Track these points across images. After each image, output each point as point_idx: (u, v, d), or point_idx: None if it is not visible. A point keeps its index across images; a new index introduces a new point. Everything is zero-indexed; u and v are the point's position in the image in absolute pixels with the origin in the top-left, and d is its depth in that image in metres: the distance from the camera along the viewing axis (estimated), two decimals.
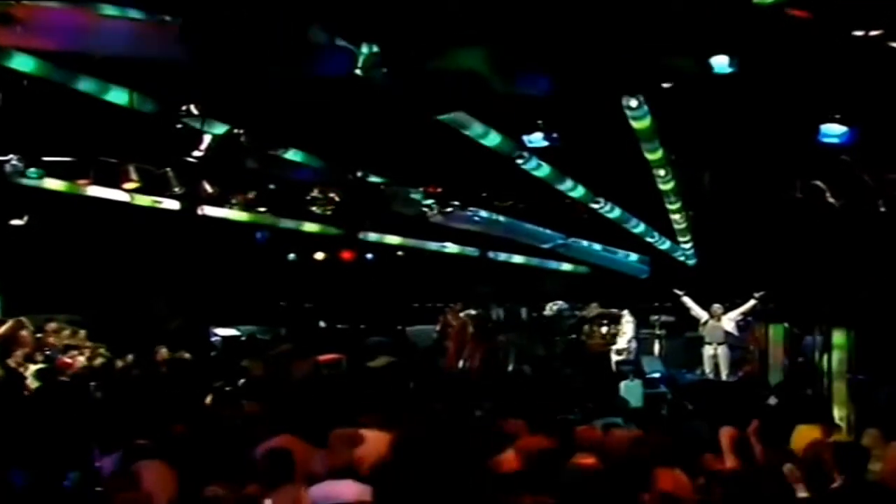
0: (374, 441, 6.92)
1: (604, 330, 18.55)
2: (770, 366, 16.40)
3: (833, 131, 11.15)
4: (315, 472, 6.69)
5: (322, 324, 23.73)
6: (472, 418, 8.74)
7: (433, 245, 21.77)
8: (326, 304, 23.92)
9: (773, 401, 11.89)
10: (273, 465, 6.37)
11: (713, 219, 18.29)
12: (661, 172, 13.62)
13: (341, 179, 15.26)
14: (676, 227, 18.19)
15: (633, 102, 10.24)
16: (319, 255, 23.23)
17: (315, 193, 15.96)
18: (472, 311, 18.46)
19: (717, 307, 17.72)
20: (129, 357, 13.67)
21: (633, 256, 23.19)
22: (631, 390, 13.72)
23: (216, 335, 19.91)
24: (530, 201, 18.00)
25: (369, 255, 23.35)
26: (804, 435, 7.98)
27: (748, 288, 17.65)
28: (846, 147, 11.42)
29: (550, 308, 19.61)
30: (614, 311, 18.60)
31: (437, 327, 19.68)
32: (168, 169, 14.18)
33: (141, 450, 6.83)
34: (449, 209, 16.95)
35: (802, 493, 6.32)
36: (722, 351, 17.47)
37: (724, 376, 17.01)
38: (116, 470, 6.65)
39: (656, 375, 16.57)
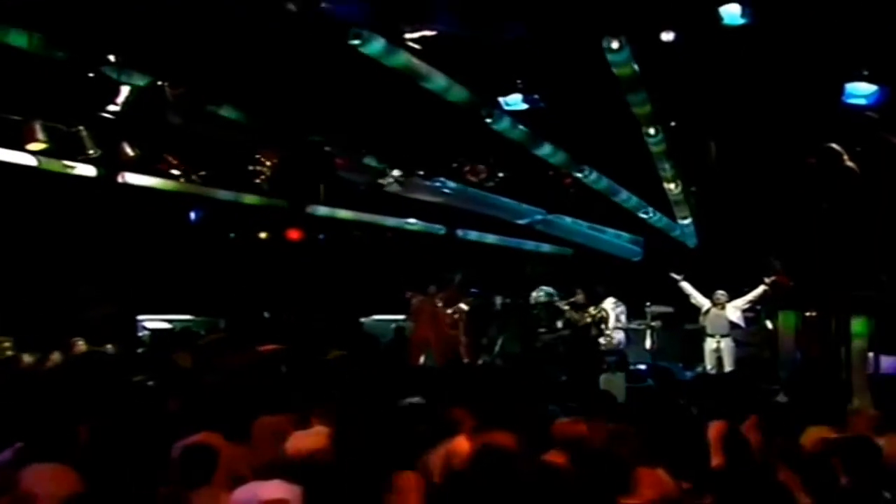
0: (310, 436, 6.94)
1: (588, 319, 18.44)
2: (780, 358, 16.35)
3: (860, 90, 11.10)
4: (242, 473, 6.65)
5: (266, 314, 23.50)
6: (418, 412, 8.63)
7: (392, 221, 21.59)
8: (272, 291, 23.69)
9: (782, 398, 11.81)
10: (190, 464, 6.34)
11: (718, 193, 18.28)
12: (651, 131, 13.52)
13: (285, 142, 15.10)
14: (672, 198, 18.12)
15: (615, 44, 10.11)
16: (263, 235, 23.03)
17: (255, 160, 15.82)
18: (464, 306, 18.49)
19: (720, 294, 17.61)
20: (49, 352, 13.45)
21: (624, 236, 23.15)
22: (612, 384, 13.64)
23: (144, 328, 19.67)
24: (505, 170, 17.93)
25: (321, 235, 23.21)
26: (815, 438, 7.91)
27: (757, 272, 17.58)
28: (874, 109, 11.39)
29: (536, 295, 19.47)
30: (599, 290, 18.50)
31: (405, 317, 19.62)
32: (81, 127, 13.90)
33: (30, 451, 6.75)
34: (408, 177, 16.78)
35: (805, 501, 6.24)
36: (726, 344, 17.37)
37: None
38: None
39: (642, 368, 16.53)
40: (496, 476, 5.77)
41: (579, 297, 18.54)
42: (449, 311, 18.45)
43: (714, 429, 7.20)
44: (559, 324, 18.74)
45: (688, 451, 7.01)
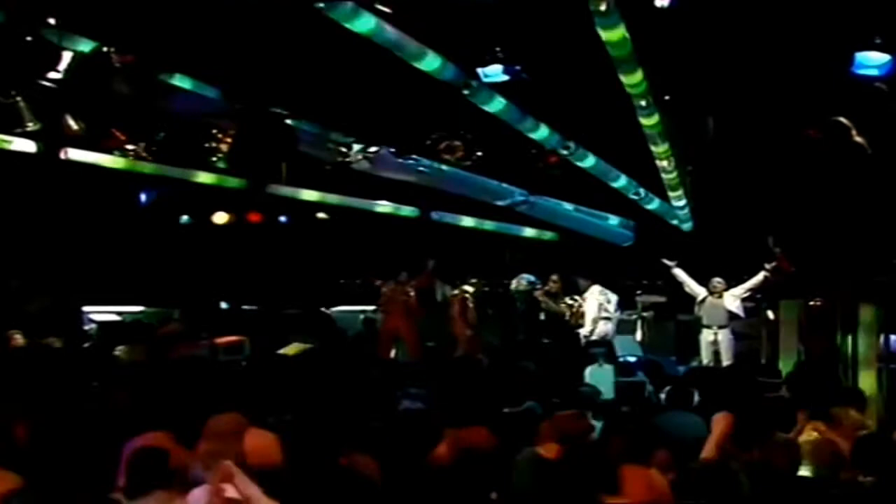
0: (267, 436, 6.94)
1: (563, 308, 18.50)
2: (781, 350, 16.40)
3: (871, 60, 11.10)
4: (197, 475, 6.53)
5: (224, 304, 23.43)
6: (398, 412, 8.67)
7: (360, 203, 21.58)
8: (230, 279, 23.60)
9: (784, 393, 11.85)
10: (140, 467, 6.32)
11: (716, 173, 18.29)
12: (643, 103, 13.51)
13: (243, 115, 15.03)
14: (666, 178, 18.13)
15: (603, 6, 10.09)
16: (220, 218, 22.94)
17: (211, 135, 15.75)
18: (469, 288, 18.47)
19: (717, 282, 17.63)
20: None
21: (614, 219, 23.17)
22: (599, 377, 13.63)
23: (91, 320, 19.58)
24: (484, 147, 17.91)
25: (282, 218, 23.15)
26: (813, 433, 8.00)
27: (757, 258, 17.62)
28: (886, 80, 11.40)
29: (517, 283, 19.47)
30: (581, 282, 18.50)
31: (375, 307, 19.61)
32: (18, 97, 13.78)
33: None
34: (378, 154, 16.73)
35: None
36: (723, 336, 17.41)
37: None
38: None
39: (632, 360, 16.55)
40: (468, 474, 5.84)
41: (552, 286, 18.59)
42: (455, 292, 18.59)
43: (721, 421, 7.23)
44: (542, 315, 18.80)
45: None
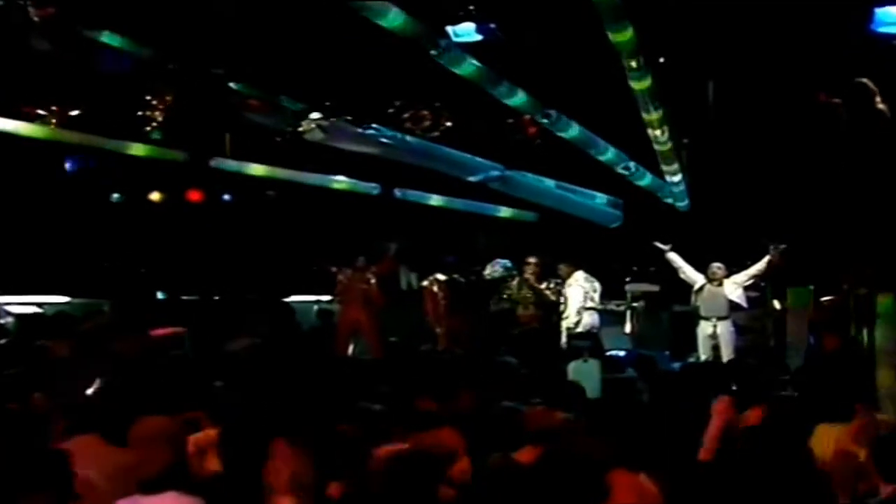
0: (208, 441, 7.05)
1: (550, 294, 18.46)
2: (788, 344, 16.45)
3: (893, 16, 11.10)
4: (127, 483, 6.60)
5: (160, 294, 23.39)
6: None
7: (314, 178, 21.53)
8: (167, 265, 23.57)
9: (791, 392, 11.86)
10: (43, 475, 6.19)
11: (716, 145, 18.31)
12: (633, 64, 13.52)
13: (181, 78, 14.95)
14: (659, 150, 18.14)
15: None
16: (156, 196, 22.88)
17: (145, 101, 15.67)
18: (441, 276, 18.50)
19: (717, 267, 17.61)
20: None
21: (600, 197, 23.19)
22: (584, 374, 13.65)
23: (7, 313, 19.50)
24: (454, 115, 17.91)
25: (226, 196, 23.09)
26: (826, 437, 8.00)
27: (762, 241, 17.66)
28: None
29: (491, 270, 19.44)
30: (563, 268, 18.48)
31: (331, 297, 19.58)
32: None
33: None
34: (334, 122, 16.68)
35: None
36: (723, 329, 17.43)
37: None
38: None
39: (621, 355, 16.57)
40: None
41: (530, 271, 18.51)
42: (425, 283, 18.51)
43: (720, 409, 7.26)
44: (507, 305, 18.83)
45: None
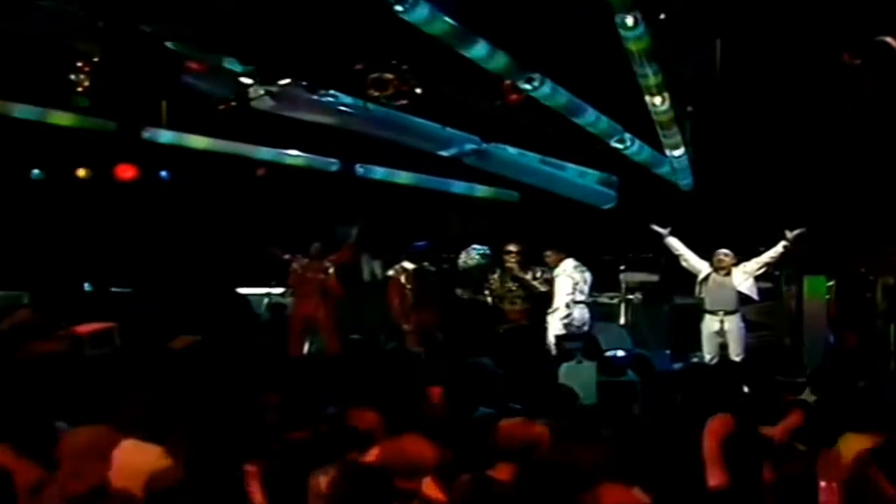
0: (143, 453, 7.01)
1: (539, 283, 18.41)
2: (806, 341, 16.51)
3: None
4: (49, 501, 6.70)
5: (88, 286, 23.34)
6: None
7: (264, 152, 21.42)
8: (95, 252, 23.50)
9: (808, 395, 11.90)
10: None
11: (723, 113, 18.32)
12: (629, 21, 13.53)
13: (109, 37, 14.89)
14: (659, 120, 18.15)
15: None
16: (82, 172, 22.81)
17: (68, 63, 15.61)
18: (409, 264, 18.50)
19: (724, 254, 17.61)
20: None
21: (591, 174, 23.21)
22: (578, 377, 13.66)
23: None
24: (424, 80, 17.86)
25: (163, 172, 23.02)
26: (855, 447, 7.99)
27: (776, 225, 17.69)
28: None
29: (466, 258, 19.43)
30: (550, 255, 18.43)
31: (284, 289, 19.58)
32: None
33: None
34: (284, 85, 16.65)
35: None
36: (732, 324, 17.47)
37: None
38: None
39: (620, 355, 16.54)
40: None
41: (512, 260, 18.41)
42: (391, 273, 18.52)
43: (713, 430, 7.28)
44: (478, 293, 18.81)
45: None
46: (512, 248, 18.20)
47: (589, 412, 10.55)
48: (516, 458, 7.08)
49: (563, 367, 14.28)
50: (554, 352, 16.58)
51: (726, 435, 7.40)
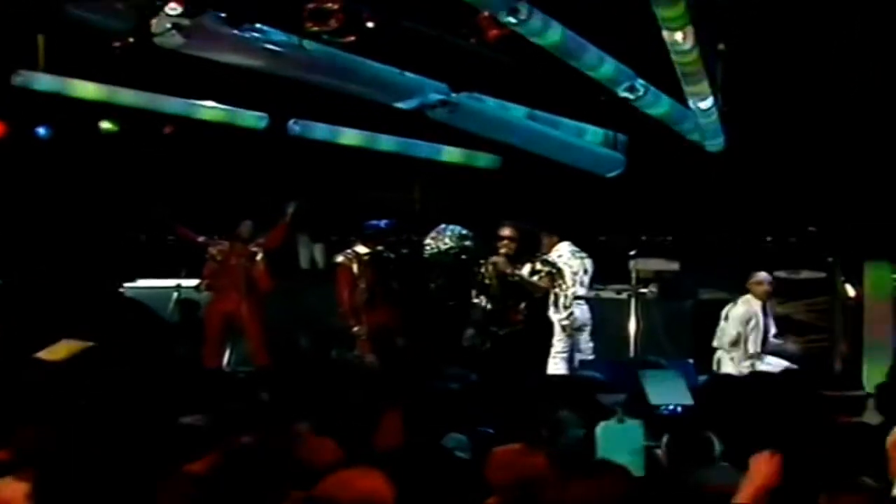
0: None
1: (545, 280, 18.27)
2: (866, 347, 16.55)
3: None
4: None
5: None
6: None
7: (173, 104, 21.41)
8: None
9: (872, 416, 11.93)
10: None
11: (763, 56, 18.34)
12: None
13: None
14: (680, 63, 18.10)
15: None
16: None
17: None
18: (362, 248, 18.72)
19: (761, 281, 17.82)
20: None
21: (593, 132, 23.20)
22: (618, 442, 13.44)
23: None
24: (377, 13, 17.82)
25: (41, 129, 22.95)
26: None
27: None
28: None
29: (433, 242, 19.30)
30: (542, 238, 18.37)
31: (198, 281, 19.57)
32: None
33: None
34: (195, 17, 16.57)
35: None
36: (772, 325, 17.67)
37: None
38: None
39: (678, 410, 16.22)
40: None
41: (504, 248, 18.23)
42: (339, 260, 18.41)
43: (760, 471, 7.26)
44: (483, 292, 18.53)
45: None
46: (506, 232, 17.35)
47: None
48: (509, 493, 7.21)
49: (600, 427, 13.82)
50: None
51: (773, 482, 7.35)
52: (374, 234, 18.68)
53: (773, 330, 17.76)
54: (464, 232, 18.64)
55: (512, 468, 7.70)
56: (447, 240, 18.69)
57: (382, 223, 18.80)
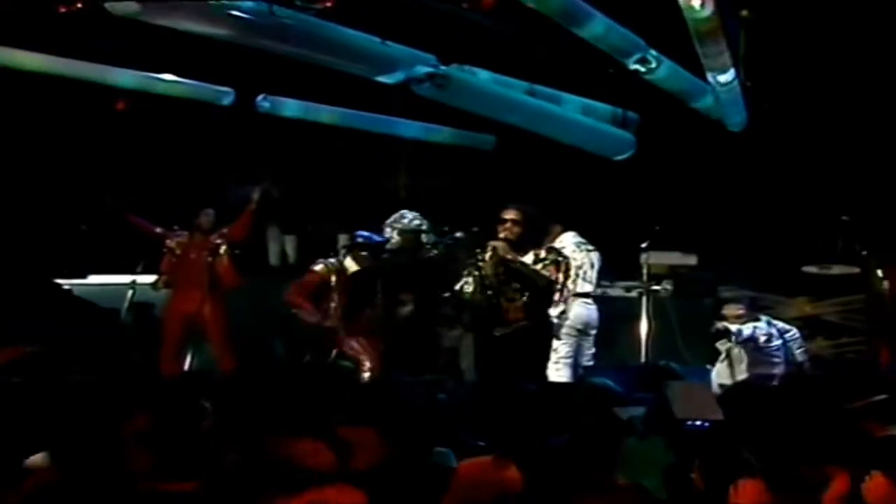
0: None
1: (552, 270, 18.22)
2: None
3: None
4: None
5: None
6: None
7: (127, 77, 21.45)
8: None
9: None
10: None
11: (791, 23, 18.41)
12: None
13: None
14: (697, 30, 18.15)
15: None
16: None
17: None
18: (351, 265, 18.41)
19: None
20: None
21: (599, 109, 23.28)
22: (645, 460, 13.57)
23: None
24: None
25: None
26: None
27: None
28: None
29: (398, 225, 19.21)
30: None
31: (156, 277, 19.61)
32: None
33: None
34: None
35: None
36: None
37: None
38: None
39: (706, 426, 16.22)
40: None
41: (505, 233, 18.21)
42: (317, 268, 18.29)
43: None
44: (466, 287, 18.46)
45: None
46: (510, 215, 17.08)
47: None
48: None
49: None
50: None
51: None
52: (367, 249, 18.40)
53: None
54: (418, 220, 18.32)
55: (480, 485, 7.71)
56: (406, 225, 18.34)
57: (375, 237, 18.53)
